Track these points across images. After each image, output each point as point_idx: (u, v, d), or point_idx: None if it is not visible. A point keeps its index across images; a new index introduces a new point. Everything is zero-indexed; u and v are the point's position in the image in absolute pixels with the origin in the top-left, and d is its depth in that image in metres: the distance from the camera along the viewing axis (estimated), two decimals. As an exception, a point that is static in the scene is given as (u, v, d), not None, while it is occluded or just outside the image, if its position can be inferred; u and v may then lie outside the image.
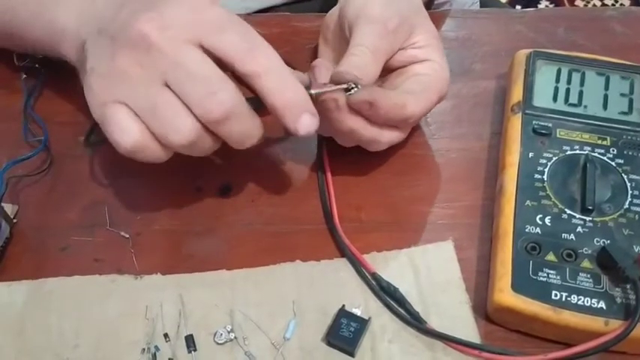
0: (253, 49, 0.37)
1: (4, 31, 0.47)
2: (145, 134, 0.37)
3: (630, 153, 0.43)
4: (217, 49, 0.36)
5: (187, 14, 0.37)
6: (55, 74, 0.50)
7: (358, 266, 0.41)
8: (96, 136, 0.43)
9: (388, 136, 0.42)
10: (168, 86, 0.36)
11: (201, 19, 0.37)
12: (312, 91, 0.39)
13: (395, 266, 0.41)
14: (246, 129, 0.38)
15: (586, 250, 0.39)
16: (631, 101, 0.46)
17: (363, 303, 0.39)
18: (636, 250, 0.39)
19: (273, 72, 0.37)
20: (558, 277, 0.38)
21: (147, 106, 0.36)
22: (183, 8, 0.37)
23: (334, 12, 0.47)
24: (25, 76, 0.50)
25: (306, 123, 0.37)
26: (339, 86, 0.39)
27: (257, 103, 0.38)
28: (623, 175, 0.42)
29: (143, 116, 0.37)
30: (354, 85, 0.39)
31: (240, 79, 0.38)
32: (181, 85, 0.36)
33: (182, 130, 0.36)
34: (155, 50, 0.36)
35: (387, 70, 0.44)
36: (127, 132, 0.37)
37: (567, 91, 0.46)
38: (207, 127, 0.37)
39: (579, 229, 0.40)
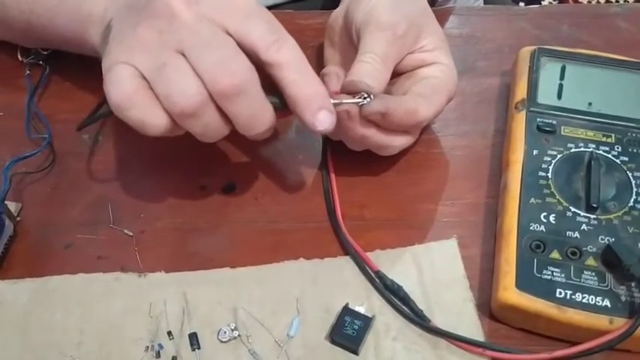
0: (279, 40, 0.37)
1: (24, 22, 0.47)
2: (142, 91, 0.36)
3: (635, 150, 0.43)
4: (243, 35, 0.37)
5: None
6: (59, 71, 0.50)
7: (362, 264, 0.41)
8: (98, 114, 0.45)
9: (399, 141, 0.43)
10: (182, 54, 0.36)
11: (230, 3, 0.37)
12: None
13: (399, 264, 0.41)
14: (255, 111, 0.37)
15: (590, 248, 0.39)
16: (636, 98, 0.45)
17: (366, 301, 0.39)
18: (641, 248, 0.39)
19: (296, 64, 0.37)
20: (563, 275, 0.38)
21: (155, 67, 0.36)
22: None
23: (339, 14, 0.46)
24: (28, 72, 0.50)
25: (324, 119, 0.37)
26: (353, 100, 0.39)
27: (279, 100, 0.38)
28: (627, 172, 0.42)
29: (149, 76, 0.36)
30: (366, 95, 0.39)
31: (262, 70, 0.37)
32: (195, 52, 0.36)
33: (187, 93, 0.35)
34: (176, 20, 0.36)
35: (395, 74, 0.43)
36: (121, 84, 0.36)
37: (572, 88, 0.46)
38: (216, 100, 0.36)
39: (584, 226, 0.40)
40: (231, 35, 0.37)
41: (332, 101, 0.39)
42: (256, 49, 0.37)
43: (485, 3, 0.74)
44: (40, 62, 0.50)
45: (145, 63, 0.36)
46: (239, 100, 0.36)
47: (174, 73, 0.36)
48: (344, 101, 0.39)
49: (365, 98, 0.39)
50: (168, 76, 0.36)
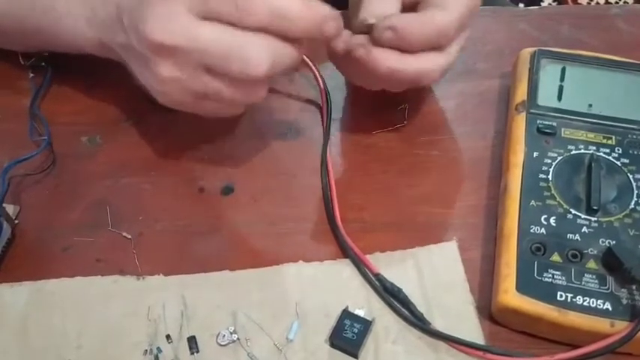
0: (238, 5, 0.36)
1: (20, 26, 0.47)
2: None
3: (636, 152, 0.43)
4: (214, 16, 0.37)
5: (167, 4, 0.37)
6: (59, 73, 0.50)
7: (361, 267, 0.41)
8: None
9: (434, 61, 0.41)
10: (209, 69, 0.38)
11: (180, 3, 0.37)
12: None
13: (398, 267, 0.41)
14: (291, 64, 0.38)
15: (591, 251, 0.39)
16: (636, 100, 0.45)
17: (366, 304, 0.39)
18: (642, 251, 0.39)
19: (276, 17, 0.37)
20: (563, 278, 0.38)
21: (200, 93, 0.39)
22: (160, 3, 0.37)
23: None
24: (32, 75, 0.50)
25: (329, 29, 0.38)
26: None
27: None
28: (628, 174, 0.42)
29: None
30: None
31: None
32: (219, 69, 0.37)
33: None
34: (178, 50, 0.37)
35: (411, 6, 0.43)
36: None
37: (572, 89, 0.46)
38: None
39: (584, 229, 0.39)
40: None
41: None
42: (234, 23, 0.37)
43: (484, 4, 0.73)
44: (42, 64, 0.50)
45: (190, 88, 0.39)
46: (275, 73, 0.38)
47: (216, 98, 0.39)
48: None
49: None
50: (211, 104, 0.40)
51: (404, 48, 0.40)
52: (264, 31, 0.37)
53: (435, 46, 0.41)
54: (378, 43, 0.40)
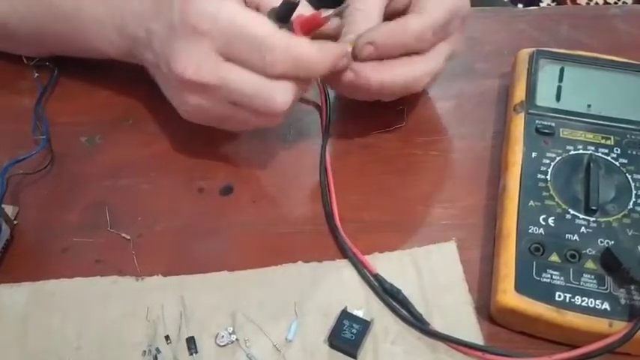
0: (265, 58, 0.38)
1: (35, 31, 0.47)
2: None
3: (634, 152, 0.43)
4: (238, 61, 0.39)
5: (195, 44, 0.38)
6: (60, 74, 0.50)
7: (360, 267, 0.41)
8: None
9: (419, 69, 0.42)
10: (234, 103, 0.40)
11: (207, 44, 0.38)
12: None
13: (397, 267, 0.41)
14: (304, 94, 0.42)
15: (590, 251, 0.39)
16: (635, 100, 0.45)
17: (365, 304, 0.39)
18: (641, 251, 0.39)
19: (297, 65, 0.38)
20: (562, 278, 0.38)
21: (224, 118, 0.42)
22: (188, 42, 0.39)
23: None
24: (37, 75, 0.50)
25: (342, 66, 0.40)
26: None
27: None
28: (627, 174, 0.42)
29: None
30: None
31: None
32: (245, 105, 0.40)
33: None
34: (207, 87, 0.39)
35: (399, 13, 0.44)
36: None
37: (570, 90, 0.46)
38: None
39: (583, 229, 0.40)
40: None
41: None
42: (258, 72, 0.39)
43: (484, 5, 0.73)
44: (47, 63, 0.50)
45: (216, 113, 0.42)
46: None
47: (239, 122, 0.42)
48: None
49: None
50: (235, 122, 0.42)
51: (386, 58, 0.41)
52: (286, 76, 0.39)
53: (416, 51, 0.42)
54: (360, 59, 0.41)
